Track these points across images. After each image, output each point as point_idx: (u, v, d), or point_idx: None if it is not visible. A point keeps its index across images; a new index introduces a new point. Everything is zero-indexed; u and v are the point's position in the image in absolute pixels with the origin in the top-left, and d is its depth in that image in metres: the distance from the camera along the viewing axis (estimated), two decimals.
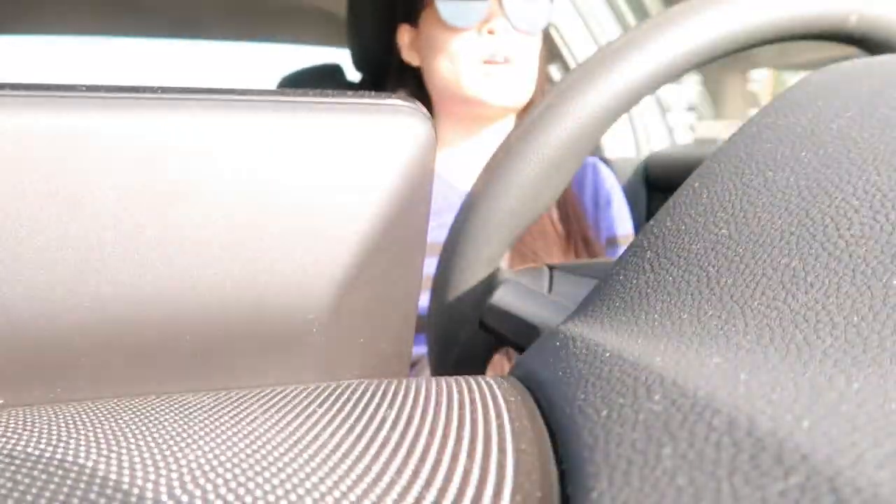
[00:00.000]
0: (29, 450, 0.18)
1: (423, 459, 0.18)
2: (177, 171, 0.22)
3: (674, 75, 0.34)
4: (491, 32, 0.78)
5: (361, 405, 0.21)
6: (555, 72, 1.26)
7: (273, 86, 1.23)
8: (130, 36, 1.73)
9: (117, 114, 0.21)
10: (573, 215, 0.85)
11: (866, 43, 0.37)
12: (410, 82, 0.87)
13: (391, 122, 0.24)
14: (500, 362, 0.66)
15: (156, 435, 0.19)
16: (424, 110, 0.24)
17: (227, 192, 0.23)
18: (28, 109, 0.21)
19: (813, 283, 0.18)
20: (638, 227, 0.93)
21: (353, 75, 1.13)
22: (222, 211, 0.23)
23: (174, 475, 0.17)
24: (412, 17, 0.86)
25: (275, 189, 0.23)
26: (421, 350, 0.74)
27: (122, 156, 0.21)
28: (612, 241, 0.88)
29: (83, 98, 0.21)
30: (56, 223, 0.21)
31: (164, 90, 0.22)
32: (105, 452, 0.18)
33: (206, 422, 0.20)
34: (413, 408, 0.21)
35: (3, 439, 0.19)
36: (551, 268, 0.40)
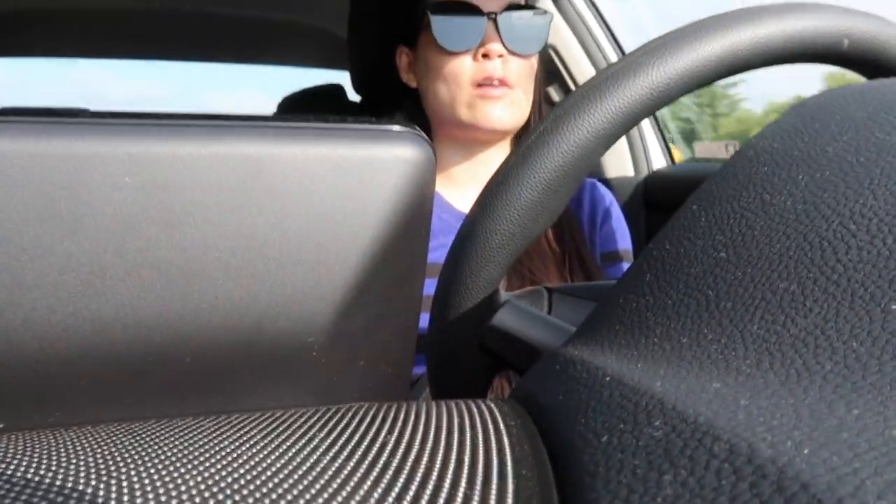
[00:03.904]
0: (29, 475, 0.18)
1: (423, 485, 0.18)
2: (178, 196, 0.22)
3: (671, 98, 0.35)
4: (487, 56, 0.79)
5: (361, 429, 0.21)
6: (554, 94, 1.27)
7: (274, 104, 1.23)
8: (130, 58, 1.75)
9: (119, 140, 0.21)
10: (569, 234, 0.85)
11: (861, 66, 0.37)
12: (409, 104, 0.87)
13: (391, 147, 0.24)
14: (501, 384, 0.66)
15: (155, 459, 0.19)
16: (424, 136, 0.25)
17: (228, 216, 0.23)
18: (31, 135, 0.21)
19: (812, 308, 0.18)
20: (637, 247, 0.93)
21: (356, 95, 1.13)
22: (223, 235, 0.23)
23: (174, 500, 0.17)
24: (410, 40, 0.86)
25: (276, 213, 0.23)
26: (421, 370, 0.73)
27: (123, 181, 0.21)
28: (613, 256, 0.88)
29: (86, 125, 0.21)
30: (58, 247, 0.21)
31: (166, 117, 0.22)
32: (105, 478, 0.18)
33: (206, 446, 0.20)
34: (413, 432, 0.21)
35: (3, 465, 0.18)
36: (550, 290, 0.40)
